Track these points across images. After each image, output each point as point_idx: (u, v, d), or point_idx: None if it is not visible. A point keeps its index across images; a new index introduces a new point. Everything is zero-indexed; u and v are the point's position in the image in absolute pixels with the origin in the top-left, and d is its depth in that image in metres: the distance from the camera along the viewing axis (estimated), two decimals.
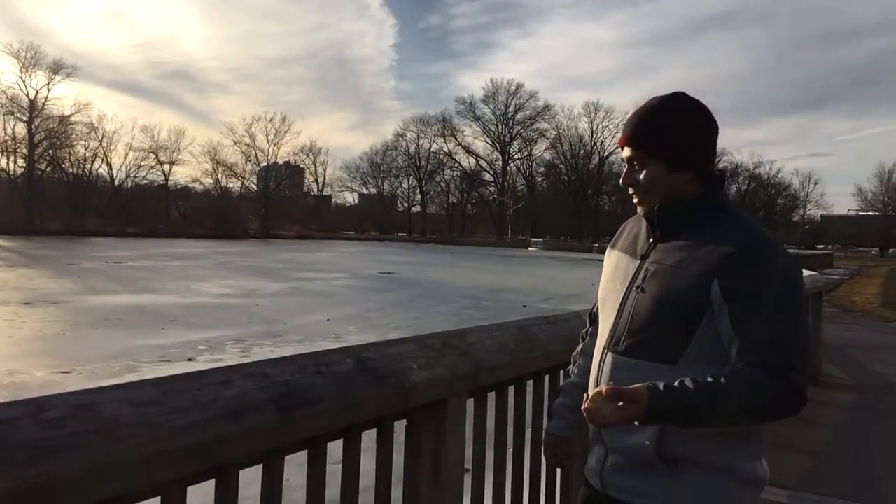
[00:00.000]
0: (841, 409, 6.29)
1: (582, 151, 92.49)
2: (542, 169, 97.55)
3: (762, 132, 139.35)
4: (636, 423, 1.30)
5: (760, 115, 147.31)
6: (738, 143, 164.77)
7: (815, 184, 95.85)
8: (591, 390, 1.50)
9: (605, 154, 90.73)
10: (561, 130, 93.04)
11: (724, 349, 1.35)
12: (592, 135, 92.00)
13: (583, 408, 1.33)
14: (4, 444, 0.97)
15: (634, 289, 1.49)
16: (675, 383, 1.30)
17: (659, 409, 1.28)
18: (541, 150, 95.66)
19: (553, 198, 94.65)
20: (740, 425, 1.36)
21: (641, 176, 1.49)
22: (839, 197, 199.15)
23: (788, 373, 1.30)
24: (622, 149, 1.53)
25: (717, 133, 1.53)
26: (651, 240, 1.52)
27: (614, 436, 1.49)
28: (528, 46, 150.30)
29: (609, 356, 1.50)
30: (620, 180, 1.55)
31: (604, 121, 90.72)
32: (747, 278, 1.33)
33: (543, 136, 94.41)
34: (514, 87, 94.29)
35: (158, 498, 1.22)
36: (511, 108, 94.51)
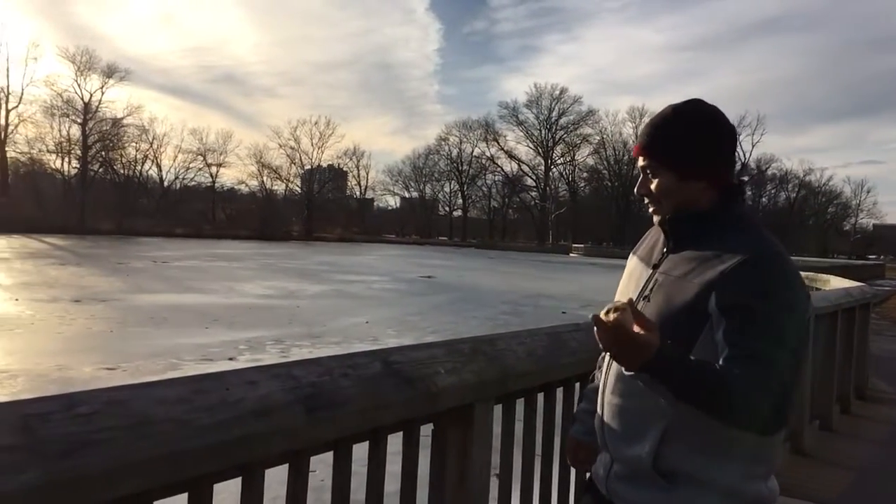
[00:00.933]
0: (887, 424, 6.11)
1: (626, 157, 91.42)
2: (585, 174, 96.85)
3: (813, 139, 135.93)
4: (628, 366, 1.29)
5: (811, 122, 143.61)
6: (787, 150, 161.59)
7: (868, 192, 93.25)
8: (600, 397, 1.53)
9: None
10: (605, 135, 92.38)
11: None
12: (637, 140, 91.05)
13: (602, 315, 1.30)
14: (38, 438, 1.00)
15: (643, 299, 1.49)
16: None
17: (664, 356, 1.26)
18: (584, 155, 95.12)
19: (595, 203, 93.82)
20: (712, 415, 1.30)
21: (654, 185, 1.49)
22: (893, 206, 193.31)
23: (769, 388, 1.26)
24: (636, 158, 1.53)
25: (732, 141, 1.51)
26: (665, 250, 1.52)
27: (616, 445, 1.49)
28: (573, 51, 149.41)
29: (614, 364, 1.49)
30: (635, 189, 1.55)
31: None
32: (743, 292, 1.30)
33: (587, 141, 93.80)
34: (557, 92, 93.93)
35: (186, 494, 1.26)
36: (554, 113, 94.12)
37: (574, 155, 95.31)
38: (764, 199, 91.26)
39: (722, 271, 1.33)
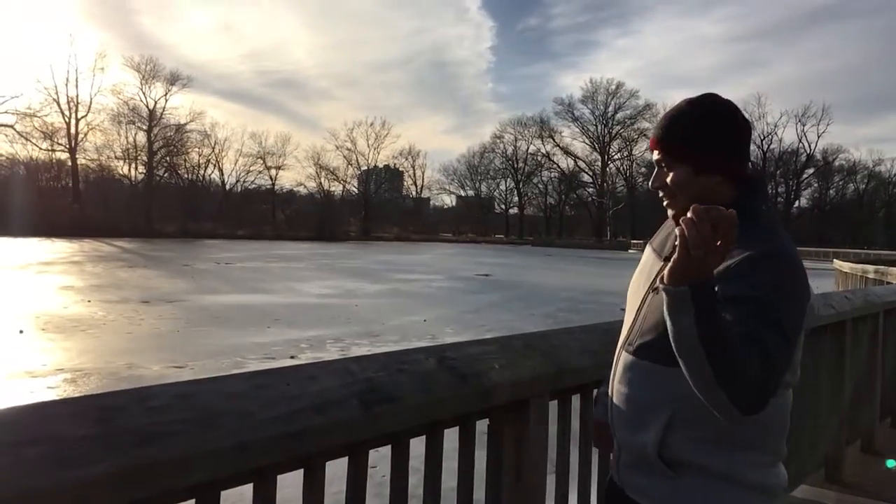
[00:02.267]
0: None
1: None
2: (643, 169, 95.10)
3: (882, 128, 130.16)
4: (688, 274, 1.20)
5: (880, 110, 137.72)
6: (854, 140, 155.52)
7: None
8: (610, 386, 1.56)
9: None
10: None
11: None
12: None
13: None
14: (114, 429, 1.07)
15: (652, 290, 1.49)
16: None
17: (698, 293, 1.19)
18: (641, 150, 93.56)
19: (654, 199, 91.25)
20: (695, 387, 1.25)
21: (668, 178, 1.50)
22: None
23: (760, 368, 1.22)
24: (652, 152, 1.53)
25: (748, 135, 1.50)
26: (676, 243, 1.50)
27: (623, 433, 1.52)
28: (629, 45, 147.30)
29: (623, 355, 1.54)
30: (650, 183, 1.55)
31: None
32: (746, 285, 1.28)
33: (644, 135, 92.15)
34: (613, 87, 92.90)
35: (252, 484, 1.31)
36: (611, 108, 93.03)
37: (631, 150, 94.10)
38: (831, 191, 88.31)
39: (728, 266, 1.30)
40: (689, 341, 1.22)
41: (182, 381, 1.24)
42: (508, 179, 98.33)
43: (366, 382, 1.44)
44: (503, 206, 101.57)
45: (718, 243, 1.17)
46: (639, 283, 1.58)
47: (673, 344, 1.26)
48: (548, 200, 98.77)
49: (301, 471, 1.39)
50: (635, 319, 1.53)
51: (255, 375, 1.33)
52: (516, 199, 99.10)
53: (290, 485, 1.40)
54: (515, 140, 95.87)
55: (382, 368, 1.52)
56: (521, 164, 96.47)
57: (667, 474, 1.43)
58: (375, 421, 1.43)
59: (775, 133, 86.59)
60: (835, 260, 20.53)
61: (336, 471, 1.45)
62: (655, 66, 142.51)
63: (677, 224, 1.39)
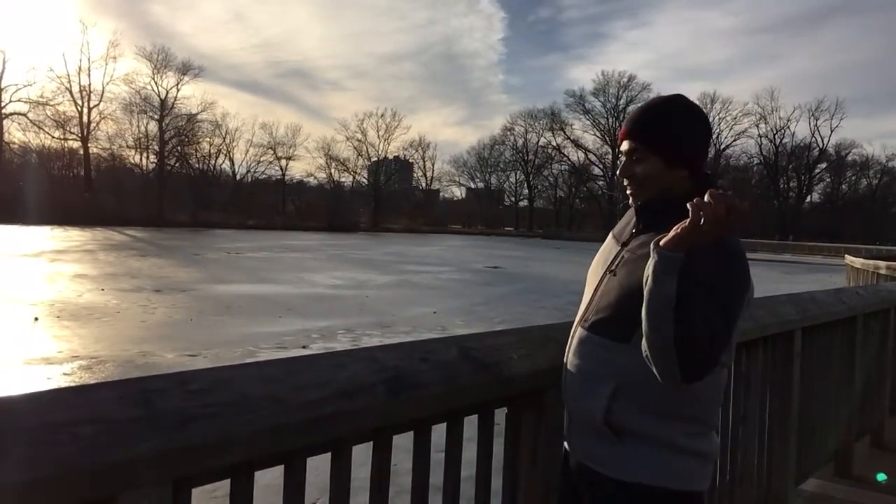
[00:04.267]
0: None
1: None
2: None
3: None
4: (691, 239, 1.35)
5: (894, 105, 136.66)
6: (868, 135, 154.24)
7: None
8: (564, 360, 1.71)
9: (723, 147, 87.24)
10: None
11: None
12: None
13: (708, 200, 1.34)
14: (157, 410, 1.12)
15: (609, 272, 1.65)
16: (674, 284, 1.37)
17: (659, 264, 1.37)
18: None
19: None
20: (651, 346, 1.41)
21: (639, 169, 1.60)
22: None
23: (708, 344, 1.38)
24: (621, 142, 1.63)
25: (710, 136, 1.65)
26: (634, 230, 1.66)
27: (573, 401, 1.68)
28: (641, 37, 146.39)
29: (578, 330, 1.69)
30: (618, 172, 1.67)
31: (721, 112, 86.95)
32: (695, 272, 1.38)
33: None
34: (625, 80, 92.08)
35: (282, 466, 1.36)
36: (622, 101, 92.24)
37: None
38: (844, 186, 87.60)
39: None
40: (665, 302, 1.37)
41: (219, 367, 1.30)
42: (518, 172, 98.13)
43: (392, 370, 1.49)
44: (513, 199, 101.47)
45: (740, 221, 1.32)
46: (598, 265, 1.73)
47: (646, 304, 1.40)
48: (558, 193, 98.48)
49: (329, 454, 1.44)
50: (591, 298, 1.68)
51: (287, 362, 1.38)
52: (526, 191, 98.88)
53: (313, 468, 1.45)
54: (526, 132, 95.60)
55: (407, 357, 1.57)
56: (531, 157, 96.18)
57: (612, 439, 1.58)
58: (400, 407, 1.48)
59: (788, 127, 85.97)
60: (846, 255, 20.41)
61: (357, 456, 1.50)
62: (668, 58, 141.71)
63: (637, 214, 1.64)
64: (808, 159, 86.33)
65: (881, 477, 3.51)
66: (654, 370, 1.43)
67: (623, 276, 1.59)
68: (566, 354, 1.72)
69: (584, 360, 1.65)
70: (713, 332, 1.38)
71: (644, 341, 1.42)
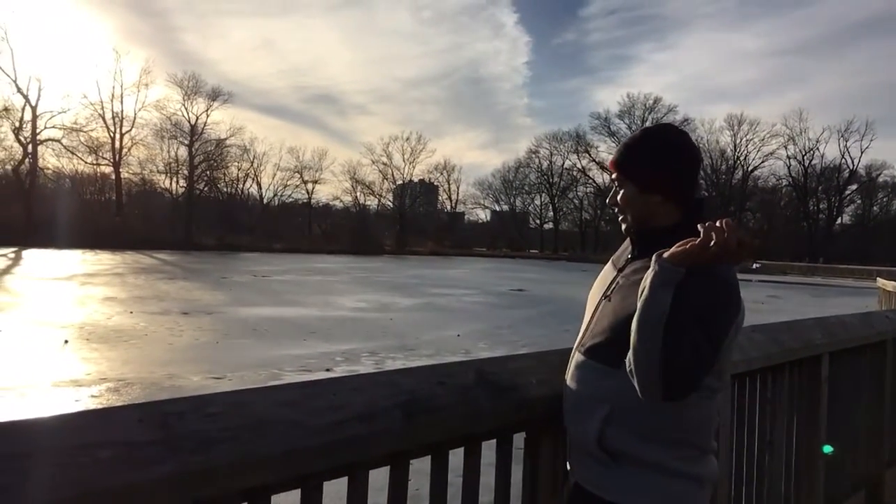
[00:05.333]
0: None
1: (724, 166, 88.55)
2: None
3: None
4: (700, 259, 1.43)
5: None
6: None
7: None
8: (565, 384, 1.75)
9: (750, 168, 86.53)
10: (701, 144, 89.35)
11: None
12: (735, 148, 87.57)
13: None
14: (175, 434, 1.14)
15: (604, 297, 1.71)
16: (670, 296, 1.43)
17: (657, 275, 1.45)
18: None
19: None
20: (636, 360, 1.46)
21: (619, 196, 1.70)
22: None
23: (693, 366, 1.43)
24: (611, 173, 1.73)
25: (693, 162, 1.70)
26: (629, 256, 1.72)
27: (570, 424, 1.72)
28: (667, 59, 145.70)
29: (576, 355, 1.74)
30: (607, 200, 1.75)
31: (748, 134, 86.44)
32: (689, 295, 1.43)
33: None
34: (651, 101, 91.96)
35: (299, 490, 1.37)
36: (648, 123, 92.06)
37: None
38: (875, 208, 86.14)
39: None
40: (656, 316, 1.42)
41: (237, 390, 1.31)
42: (543, 194, 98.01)
43: (408, 394, 1.50)
44: (538, 221, 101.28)
45: (745, 251, 1.40)
46: (596, 290, 1.78)
47: (638, 315, 1.46)
48: (583, 216, 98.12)
49: (345, 479, 1.45)
50: (588, 323, 1.73)
51: (304, 385, 1.39)
52: (551, 214, 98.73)
53: (329, 493, 1.46)
54: (551, 155, 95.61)
55: (424, 381, 1.58)
56: (556, 179, 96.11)
57: (607, 463, 1.62)
58: (417, 432, 1.49)
59: (817, 148, 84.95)
60: (878, 278, 20.05)
61: (374, 481, 1.51)
62: (694, 80, 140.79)
63: (632, 241, 1.72)
64: (837, 181, 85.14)
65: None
66: (635, 384, 1.47)
67: (617, 301, 1.64)
68: (566, 379, 1.76)
69: (579, 384, 1.70)
70: (699, 357, 1.43)
71: (630, 353, 1.47)
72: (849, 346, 3.66)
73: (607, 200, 1.76)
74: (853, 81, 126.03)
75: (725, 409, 2.58)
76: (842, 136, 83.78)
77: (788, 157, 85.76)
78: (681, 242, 1.45)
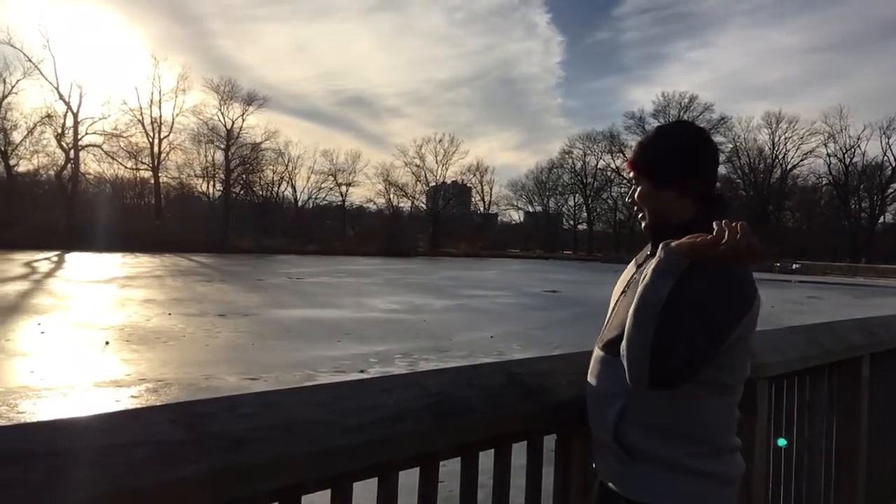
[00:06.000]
0: None
1: (761, 165, 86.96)
2: (718, 184, 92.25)
3: None
4: (706, 252, 1.45)
5: None
6: None
7: None
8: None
9: (789, 167, 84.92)
10: (738, 143, 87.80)
11: None
12: (774, 147, 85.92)
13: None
14: (206, 433, 1.16)
15: (622, 292, 1.73)
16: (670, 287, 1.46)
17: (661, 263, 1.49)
18: None
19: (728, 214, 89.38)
20: (628, 345, 1.48)
21: (637, 193, 1.74)
22: None
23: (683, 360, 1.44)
24: (629, 172, 1.76)
25: (708, 158, 1.71)
26: (648, 253, 1.73)
27: (592, 420, 1.73)
28: (702, 57, 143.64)
29: (595, 349, 1.76)
30: (627, 198, 1.77)
31: (787, 132, 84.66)
32: (690, 288, 1.45)
33: (719, 149, 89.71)
34: (686, 100, 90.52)
35: (329, 490, 1.38)
36: None
37: None
38: None
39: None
40: (654, 301, 1.45)
41: (268, 391, 1.33)
42: (577, 195, 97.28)
43: (437, 395, 1.50)
44: (571, 222, 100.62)
45: (753, 255, 1.42)
46: (618, 287, 1.81)
47: (636, 300, 1.48)
48: (617, 216, 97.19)
49: (375, 479, 1.46)
50: (609, 319, 1.75)
51: (334, 387, 1.41)
52: (585, 214, 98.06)
53: (360, 494, 1.46)
54: (584, 155, 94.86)
55: (453, 382, 1.58)
56: (589, 180, 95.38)
57: (625, 459, 1.62)
58: (446, 432, 1.49)
59: (858, 146, 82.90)
60: None
61: (405, 482, 1.51)
62: (730, 78, 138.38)
63: (646, 232, 1.74)
64: (880, 179, 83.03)
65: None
66: (626, 368, 1.49)
67: (632, 296, 1.63)
68: (588, 375, 1.78)
69: (597, 379, 1.72)
70: (691, 350, 1.43)
71: (624, 338, 1.49)
72: (891, 347, 3.58)
73: (626, 199, 1.78)
74: (893, 77, 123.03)
75: (763, 410, 2.54)
76: (884, 132, 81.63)
77: (828, 156, 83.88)
78: (692, 235, 1.47)
